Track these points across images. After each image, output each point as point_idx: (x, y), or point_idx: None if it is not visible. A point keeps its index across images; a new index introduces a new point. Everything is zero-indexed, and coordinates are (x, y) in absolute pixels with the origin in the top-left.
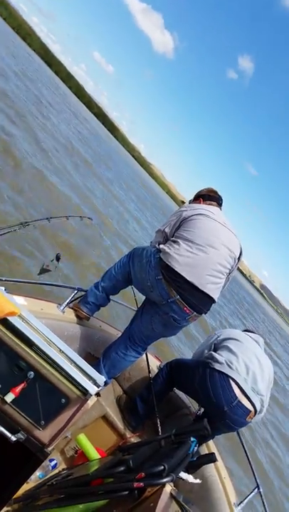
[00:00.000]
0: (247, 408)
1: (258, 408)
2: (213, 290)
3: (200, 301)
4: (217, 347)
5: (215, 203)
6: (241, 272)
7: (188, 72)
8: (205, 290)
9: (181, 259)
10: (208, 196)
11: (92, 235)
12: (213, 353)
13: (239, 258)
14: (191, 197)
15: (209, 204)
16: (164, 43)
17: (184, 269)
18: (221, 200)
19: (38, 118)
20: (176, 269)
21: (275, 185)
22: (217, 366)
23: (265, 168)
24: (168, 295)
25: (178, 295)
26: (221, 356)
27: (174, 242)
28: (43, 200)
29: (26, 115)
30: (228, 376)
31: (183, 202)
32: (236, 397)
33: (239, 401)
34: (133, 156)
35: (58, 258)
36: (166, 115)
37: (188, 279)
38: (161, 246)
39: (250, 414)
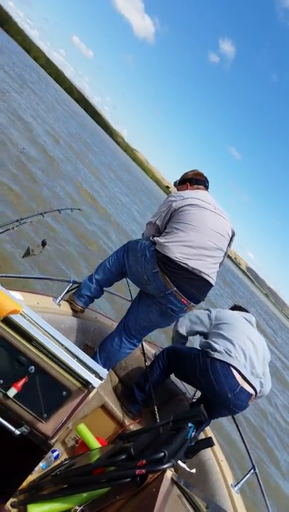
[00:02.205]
0: (249, 392)
1: (258, 390)
2: (212, 275)
3: (199, 289)
4: (210, 332)
5: (202, 186)
6: (228, 256)
7: (170, 56)
8: (204, 276)
9: (178, 248)
10: (195, 180)
11: (83, 225)
12: (210, 342)
13: (232, 239)
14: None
15: (197, 188)
16: (145, 27)
17: (182, 257)
18: (208, 182)
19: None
20: (174, 259)
21: (258, 168)
22: (217, 355)
23: (248, 152)
24: (165, 287)
25: (175, 286)
26: (218, 345)
27: (168, 233)
28: (31, 196)
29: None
30: (228, 364)
31: (168, 187)
32: (238, 384)
33: (241, 387)
34: (116, 142)
35: (43, 243)
36: (148, 99)
37: (188, 265)
38: (156, 238)
39: (251, 398)
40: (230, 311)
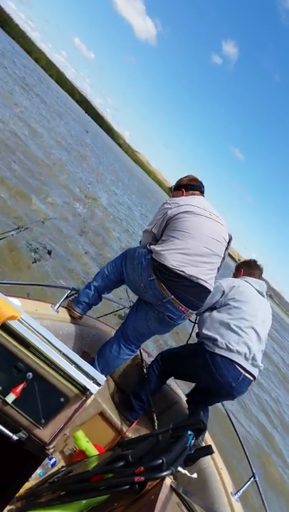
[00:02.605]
0: (250, 379)
1: (256, 376)
2: (209, 281)
3: (196, 295)
4: (220, 309)
5: (197, 191)
6: (231, 256)
7: (172, 58)
8: (201, 282)
9: (173, 256)
10: (190, 186)
11: (77, 230)
12: (211, 334)
13: (229, 244)
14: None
15: (192, 194)
16: (147, 30)
17: (179, 264)
18: (203, 187)
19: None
20: (170, 267)
21: (261, 168)
22: (217, 350)
23: (251, 152)
24: (162, 295)
25: (172, 295)
26: (221, 338)
27: (164, 241)
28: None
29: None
30: (230, 359)
31: (170, 188)
32: (241, 373)
33: (244, 375)
34: (118, 144)
35: (49, 252)
36: (150, 101)
37: (184, 273)
38: (152, 247)
39: (251, 384)
40: (244, 284)
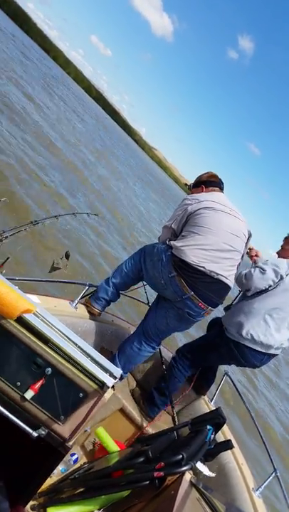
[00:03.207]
0: (273, 355)
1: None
2: (229, 277)
3: (216, 292)
4: (254, 298)
5: (217, 188)
6: (249, 254)
7: (188, 54)
8: (222, 279)
9: (194, 252)
10: (210, 182)
11: (99, 230)
12: (237, 321)
13: (248, 240)
14: (193, 179)
15: (212, 191)
16: (163, 26)
17: (199, 260)
18: (222, 184)
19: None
20: (190, 262)
21: (279, 164)
22: (241, 340)
23: (268, 148)
24: (182, 292)
25: (192, 291)
26: (248, 328)
27: (184, 237)
28: (47, 198)
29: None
30: (254, 349)
31: (186, 184)
32: (265, 355)
33: (268, 356)
34: (134, 140)
35: (67, 256)
36: (166, 97)
37: (205, 269)
38: (172, 242)
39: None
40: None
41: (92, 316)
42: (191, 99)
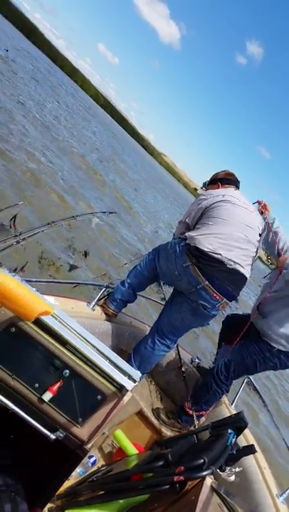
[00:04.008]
0: None
1: None
2: (246, 267)
3: (232, 283)
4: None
5: (233, 186)
6: (259, 258)
7: (196, 61)
8: (238, 268)
9: (209, 239)
10: (226, 180)
11: (117, 228)
12: (285, 341)
13: (261, 235)
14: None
15: (228, 187)
16: (171, 33)
17: (214, 248)
18: (239, 182)
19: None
20: (205, 250)
21: None
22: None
23: (279, 151)
24: (196, 281)
25: (206, 280)
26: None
27: (199, 228)
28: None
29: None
30: None
31: (195, 189)
32: None
33: None
34: (143, 147)
35: (85, 254)
36: (174, 103)
37: (221, 255)
38: (186, 233)
39: None
40: None
41: (110, 317)
42: (200, 105)
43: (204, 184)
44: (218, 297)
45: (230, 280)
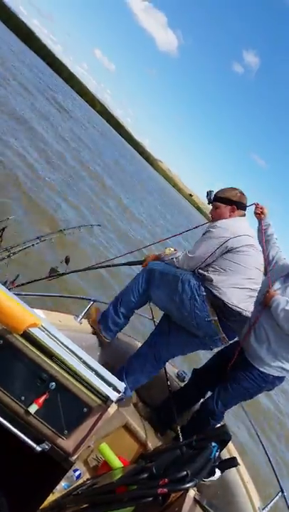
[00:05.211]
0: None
1: None
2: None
3: (240, 328)
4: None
5: (243, 212)
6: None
7: (193, 69)
8: (249, 315)
9: (234, 292)
10: (242, 205)
11: (102, 241)
12: (277, 370)
13: None
14: (199, 189)
15: (242, 215)
16: (168, 41)
17: (238, 301)
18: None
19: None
20: (230, 305)
21: (285, 176)
22: (285, 374)
23: (274, 160)
24: (215, 333)
25: (224, 333)
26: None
27: (221, 272)
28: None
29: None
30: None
31: (191, 195)
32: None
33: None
34: (138, 152)
35: (67, 261)
36: (170, 110)
37: (243, 310)
38: (207, 275)
39: None
40: None
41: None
42: (196, 112)
43: (209, 196)
44: (226, 341)
45: (238, 327)
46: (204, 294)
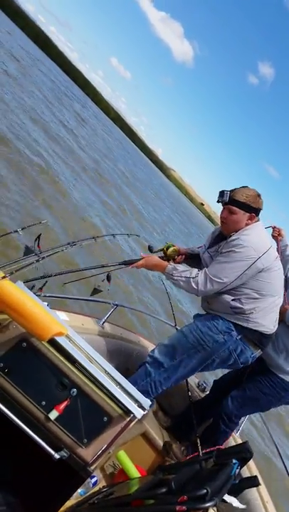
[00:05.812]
0: None
1: None
2: None
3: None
4: None
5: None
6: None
7: (208, 79)
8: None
9: (267, 318)
10: (260, 211)
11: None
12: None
13: None
14: (210, 199)
15: (257, 221)
16: (184, 52)
17: (273, 326)
18: None
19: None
20: (265, 332)
21: None
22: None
23: (288, 171)
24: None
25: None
26: None
27: (257, 300)
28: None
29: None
30: None
31: (202, 204)
32: None
33: None
34: (151, 160)
35: (108, 278)
36: (185, 119)
37: (272, 331)
38: (244, 311)
39: None
40: None
41: (119, 335)
42: (210, 122)
43: (224, 197)
44: None
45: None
46: (240, 337)
